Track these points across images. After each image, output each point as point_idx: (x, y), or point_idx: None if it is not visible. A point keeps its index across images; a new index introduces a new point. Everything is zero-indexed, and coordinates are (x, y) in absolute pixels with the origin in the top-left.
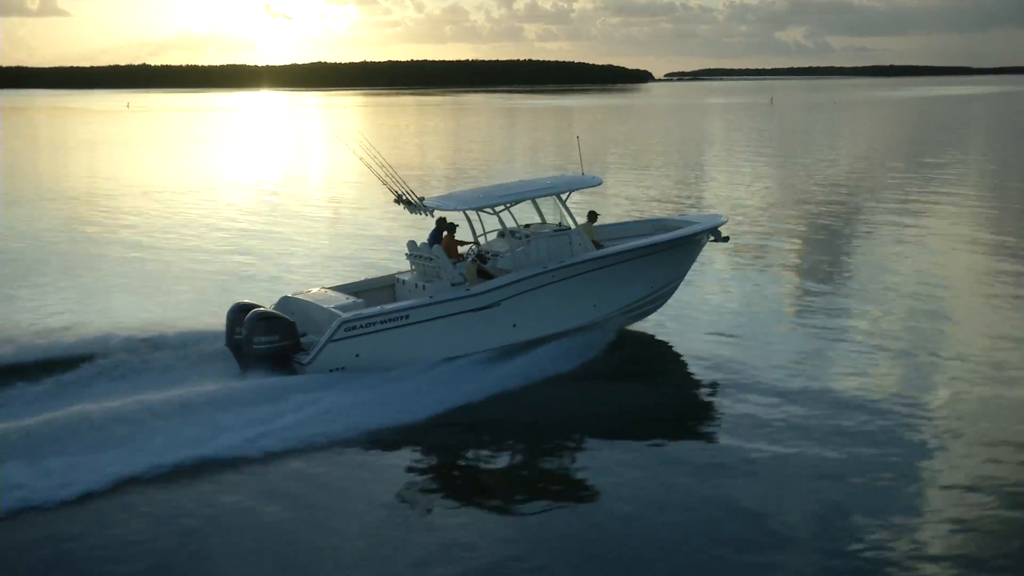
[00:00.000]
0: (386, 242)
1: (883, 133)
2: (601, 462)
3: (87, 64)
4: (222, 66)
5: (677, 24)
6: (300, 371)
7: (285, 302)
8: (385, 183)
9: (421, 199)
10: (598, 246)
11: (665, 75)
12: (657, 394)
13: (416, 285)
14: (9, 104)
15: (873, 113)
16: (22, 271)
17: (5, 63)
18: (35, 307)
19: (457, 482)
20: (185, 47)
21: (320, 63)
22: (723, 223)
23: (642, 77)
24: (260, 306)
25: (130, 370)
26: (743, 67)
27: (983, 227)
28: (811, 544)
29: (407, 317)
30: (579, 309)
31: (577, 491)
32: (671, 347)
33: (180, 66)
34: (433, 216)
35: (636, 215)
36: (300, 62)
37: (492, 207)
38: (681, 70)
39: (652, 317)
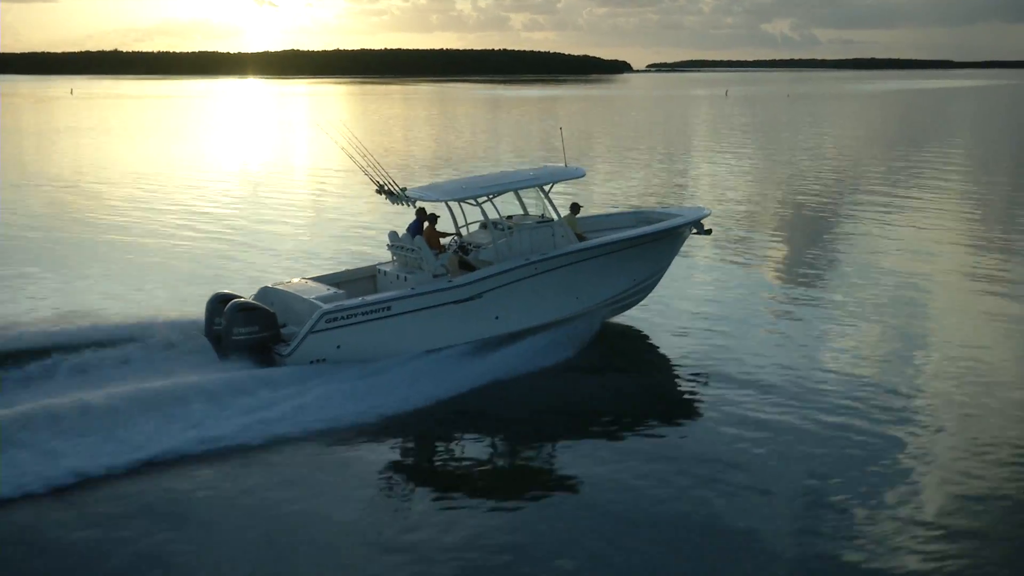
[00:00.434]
0: (368, 233)
1: (827, 128)
2: (583, 455)
3: (72, 50)
4: (205, 53)
5: (664, 15)
6: (280, 362)
7: (265, 292)
8: (367, 173)
9: (403, 189)
10: (581, 238)
11: (647, 66)
12: (640, 387)
13: (398, 276)
14: None
15: (823, 107)
16: None
17: None
18: (8, 297)
19: (437, 476)
20: (171, 34)
21: (306, 51)
22: (706, 215)
23: (619, 68)
24: (240, 296)
25: (105, 361)
26: (728, 59)
27: (955, 217)
28: (794, 537)
29: (388, 308)
30: (562, 301)
31: (559, 484)
32: (654, 340)
33: (164, 52)
34: (415, 206)
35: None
36: (286, 49)
37: (474, 198)
38: (664, 61)
39: (635, 309)
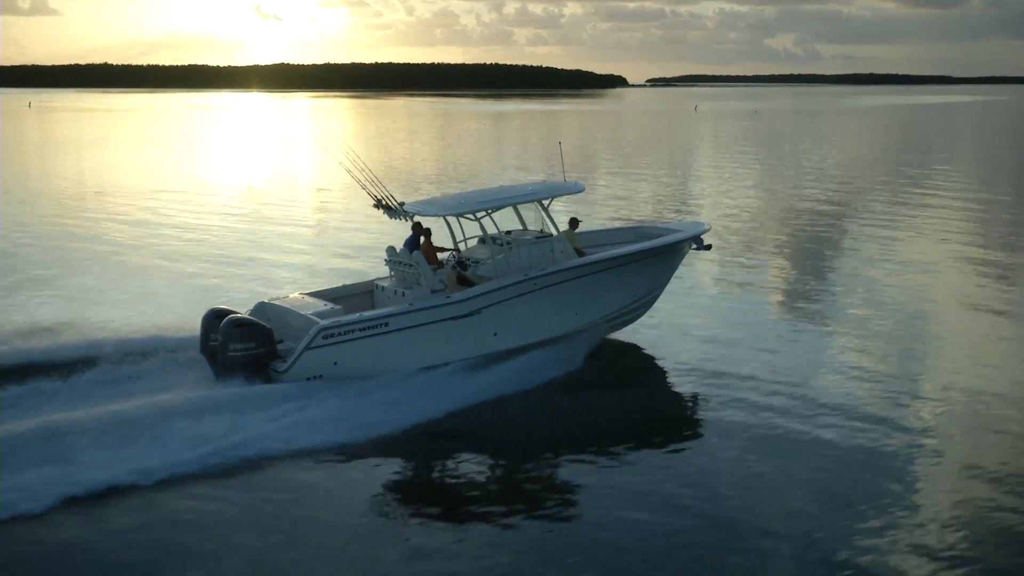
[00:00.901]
0: (365, 248)
1: (803, 142)
2: (582, 472)
3: (76, 63)
4: (208, 66)
5: (667, 30)
6: (276, 379)
7: (262, 308)
8: (364, 187)
9: (401, 204)
10: (580, 253)
11: (646, 80)
12: (639, 404)
13: (395, 292)
14: None
15: (787, 123)
16: None
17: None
18: (2, 313)
19: (434, 493)
20: (176, 47)
21: (310, 64)
22: (706, 231)
23: (612, 82)
24: (236, 312)
25: (100, 378)
26: (731, 74)
27: (955, 230)
28: (794, 554)
29: (386, 324)
30: (561, 317)
31: (558, 501)
32: (653, 356)
33: (169, 66)
34: (412, 221)
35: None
36: (290, 63)
37: (473, 213)
38: (667, 75)
39: (634, 326)
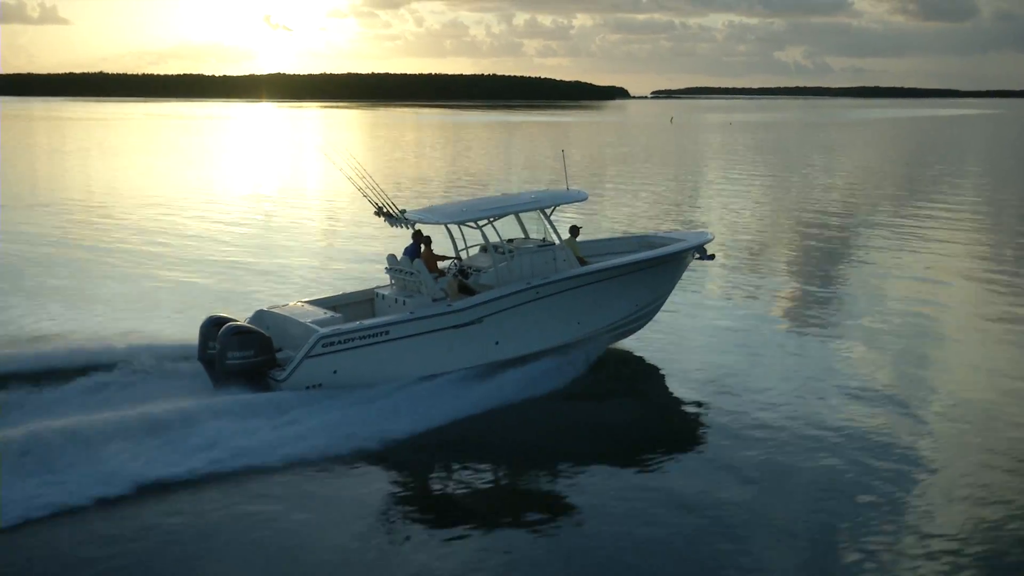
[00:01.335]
0: (366, 256)
1: (773, 154)
2: (583, 482)
3: (85, 71)
4: (217, 76)
5: (677, 42)
6: (275, 387)
7: (261, 316)
8: (366, 195)
9: (402, 212)
10: (582, 262)
11: (651, 92)
12: (641, 415)
13: (396, 300)
14: None
15: (793, 134)
16: None
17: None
18: (2, 319)
19: (435, 502)
20: (185, 56)
21: (319, 74)
22: (709, 240)
23: (610, 94)
24: (234, 320)
25: (98, 385)
26: (741, 86)
27: (960, 240)
28: (793, 565)
29: (387, 333)
30: (563, 327)
31: (559, 511)
32: (656, 366)
33: (177, 75)
34: (413, 229)
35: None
36: (299, 73)
37: (475, 221)
38: (676, 87)
39: (637, 336)
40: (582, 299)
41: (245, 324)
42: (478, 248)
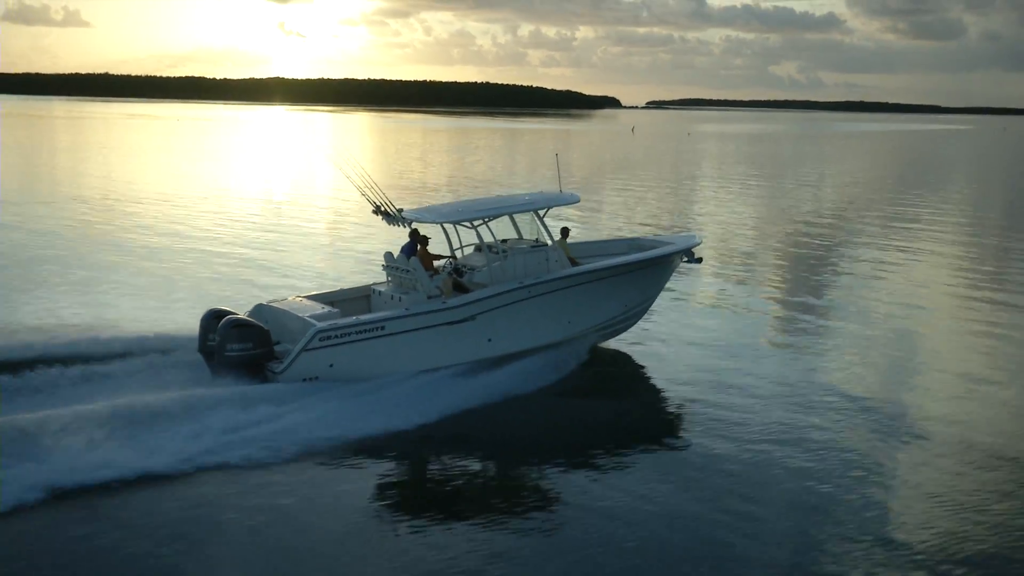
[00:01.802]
0: (363, 253)
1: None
2: (572, 477)
3: (106, 72)
4: (234, 79)
5: (676, 55)
6: (273, 380)
7: (259, 309)
8: (364, 194)
9: (399, 211)
10: (573, 263)
11: (646, 103)
12: (629, 411)
13: (392, 297)
14: None
15: (780, 145)
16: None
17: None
18: (6, 309)
19: (427, 495)
20: (203, 60)
21: (330, 79)
22: (697, 244)
23: (600, 104)
24: (234, 313)
25: (98, 374)
26: (737, 98)
27: (946, 247)
28: (779, 563)
29: (382, 328)
30: (554, 325)
31: (548, 506)
32: (644, 365)
33: (195, 77)
34: (411, 228)
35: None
36: (312, 78)
37: (470, 221)
38: (671, 98)
39: (626, 335)
40: (573, 299)
41: (244, 317)
42: (473, 247)
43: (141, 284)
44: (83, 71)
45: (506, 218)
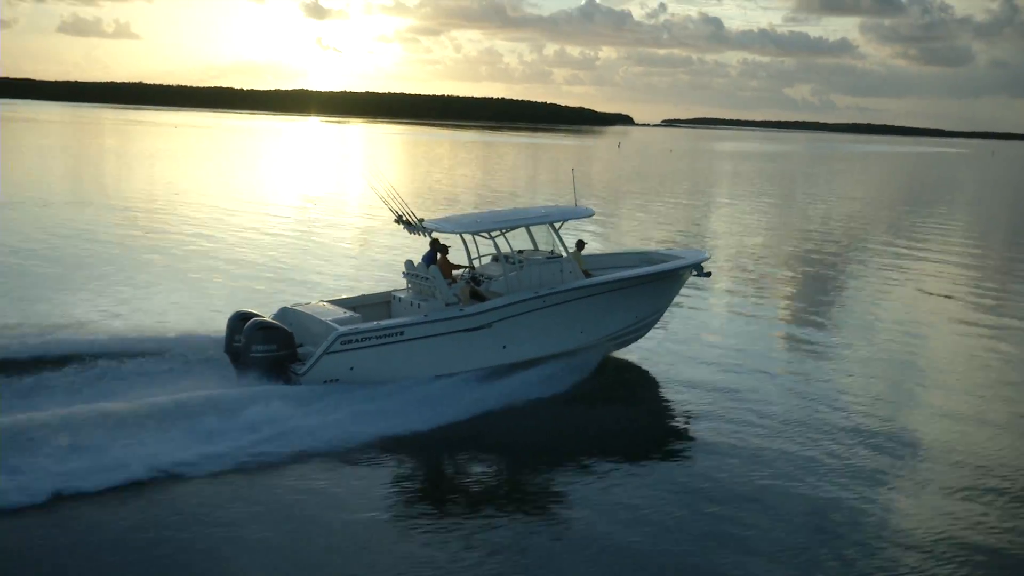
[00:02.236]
0: (385, 260)
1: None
2: (581, 483)
3: (156, 83)
4: (272, 91)
5: (694, 76)
6: (295, 381)
7: (284, 313)
8: (387, 204)
9: (420, 221)
10: (587, 274)
11: (661, 121)
12: (639, 419)
13: (411, 303)
14: None
15: (789, 164)
16: (28, 272)
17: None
18: (38, 307)
19: (440, 497)
20: (245, 72)
21: (364, 93)
22: (706, 259)
23: (612, 121)
24: (260, 315)
25: (128, 373)
26: (752, 118)
27: (949, 265)
28: (785, 572)
29: (401, 333)
30: (567, 334)
31: (558, 511)
32: (653, 374)
33: (237, 89)
34: (431, 237)
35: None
36: (348, 90)
37: (488, 232)
38: (688, 117)
39: (636, 345)
40: (586, 309)
41: (269, 320)
42: (490, 257)
43: (171, 286)
44: (132, 80)
45: (523, 229)
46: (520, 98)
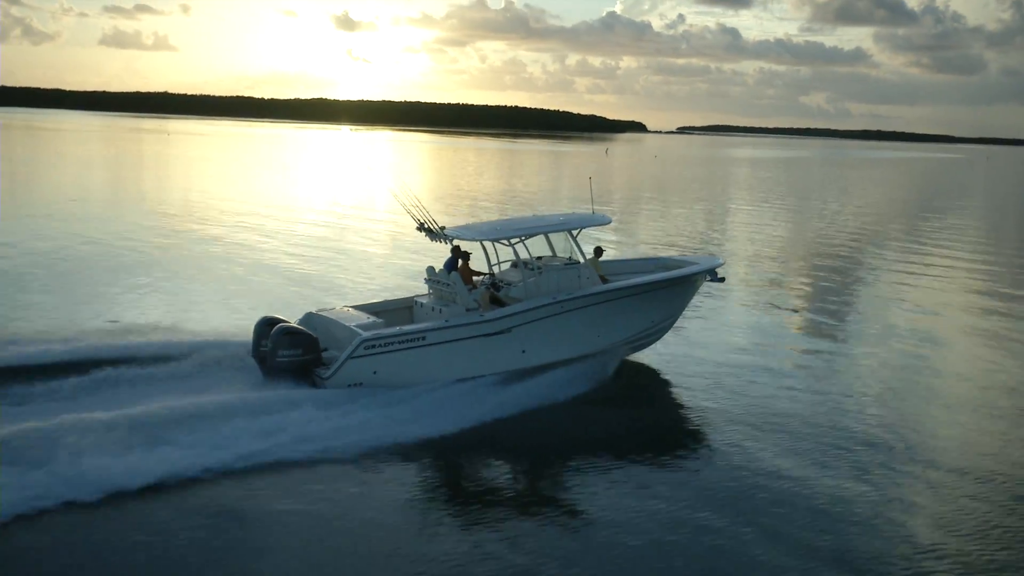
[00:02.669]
0: (407, 267)
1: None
2: (599, 485)
3: (194, 93)
4: (304, 99)
5: (712, 85)
6: (320, 385)
7: (309, 318)
8: (409, 212)
9: (442, 228)
10: (603, 280)
11: (677, 128)
12: (655, 421)
13: (433, 308)
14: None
15: (696, 168)
16: (60, 278)
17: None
18: (71, 311)
19: (460, 500)
20: (277, 82)
21: (393, 102)
22: (720, 265)
23: (623, 128)
24: (286, 321)
25: (157, 376)
26: (768, 126)
27: (961, 268)
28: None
29: (423, 338)
30: (585, 338)
31: (578, 514)
32: (669, 378)
33: (269, 99)
34: (452, 244)
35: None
36: (376, 99)
37: (507, 239)
38: (693, 124)
39: (652, 349)
40: (603, 314)
41: (295, 325)
42: (509, 264)
43: (199, 292)
44: (171, 91)
45: (541, 236)
46: (543, 107)
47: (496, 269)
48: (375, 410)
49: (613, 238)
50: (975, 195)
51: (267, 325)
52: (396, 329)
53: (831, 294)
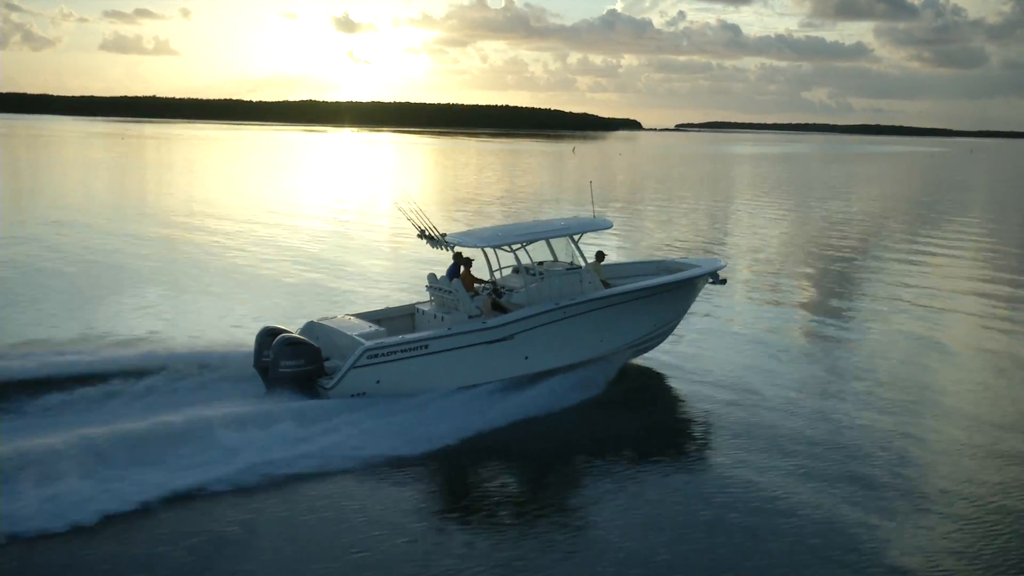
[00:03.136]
0: (408, 274)
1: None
2: (604, 491)
3: (194, 97)
4: (307, 101)
5: (714, 81)
6: (323, 395)
7: (311, 327)
8: (410, 219)
9: (443, 235)
10: (606, 285)
11: (676, 125)
12: (658, 426)
13: (435, 316)
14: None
15: (668, 163)
16: (59, 289)
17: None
18: (67, 324)
19: (465, 507)
20: (279, 85)
21: (395, 103)
22: (722, 267)
23: (615, 126)
24: (287, 331)
25: (158, 388)
26: (771, 121)
27: (964, 264)
28: None
29: (426, 347)
30: (587, 343)
31: (582, 520)
32: (673, 381)
33: (271, 102)
34: (453, 251)
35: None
36: (378, 101)
37: (509, 245)
38: (691, 121)
39: (654, 352)
40: (605, 318)
41: (297, 335)
42: (511, 269)
43: (198, 302)
44: (173, 95)
45: (542, 242)
46: (546, 106)
47: (497, 275)
48: (378, 420)
49: (598, 242)
50: (946, 190)
51: (269, 335)
52: (399, 338)
53: (831, 295)
